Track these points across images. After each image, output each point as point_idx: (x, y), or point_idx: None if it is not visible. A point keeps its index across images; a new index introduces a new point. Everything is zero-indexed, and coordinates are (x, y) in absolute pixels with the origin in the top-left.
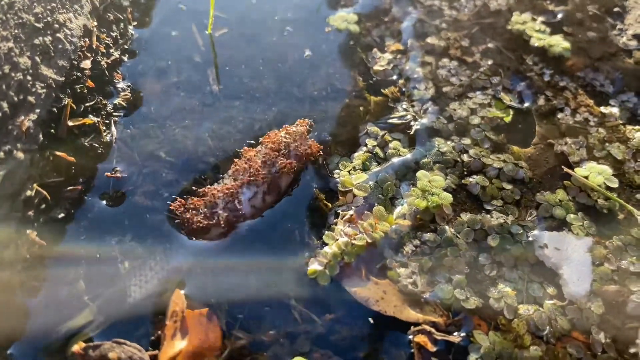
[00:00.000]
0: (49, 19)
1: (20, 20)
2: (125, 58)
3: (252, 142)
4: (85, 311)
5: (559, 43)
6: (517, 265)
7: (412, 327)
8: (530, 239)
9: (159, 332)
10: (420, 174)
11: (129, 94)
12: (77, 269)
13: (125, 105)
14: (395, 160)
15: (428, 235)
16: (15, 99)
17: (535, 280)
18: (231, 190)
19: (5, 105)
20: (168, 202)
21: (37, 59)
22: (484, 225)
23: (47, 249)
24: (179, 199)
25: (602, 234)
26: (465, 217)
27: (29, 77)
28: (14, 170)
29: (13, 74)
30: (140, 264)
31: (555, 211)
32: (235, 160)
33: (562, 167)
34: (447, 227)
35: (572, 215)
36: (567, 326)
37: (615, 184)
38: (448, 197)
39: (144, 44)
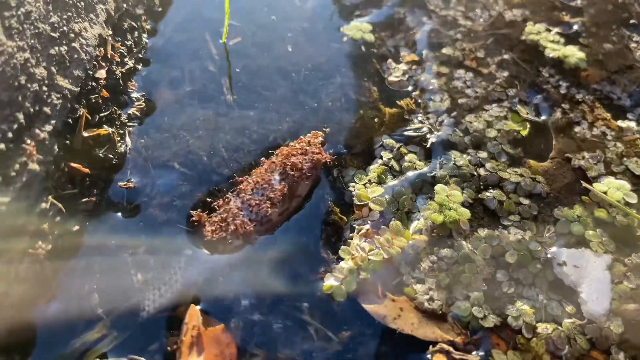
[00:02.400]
0: (64, 28)
1: (37, 30)
2: (139, 67)
3: (267, 153)
4: (99, 325)
5: (574, 53)
6: (535, 283)
7: (430, 346)
8: (549, 255)
9: (174, 347)
10: (438, 187)
11: (143, 104)
12: (91, 282)
13: (139, 115)
14: (410, 173)
15: (445, 251)
16: (31, 110)
17: (554, 298)
18: (246, 204)
19: (21, 116)
20: (182, 214)
21: (53, 69)
22: (502, 242)
23: (61, 262)
24: (196, 212)
25: (621, 251)
26: (482, 232)
27: (44, 88)
28: (29, 183)
29: (29, 85)
30: (154, 277)
31: (573, 227)
32: (249, 174)
33: (581, 182)
34: (464, 242)
35: (590, 232)
36: (586, 346)
37: (634, 199)
38: (466, 213)
39: (158, 53)
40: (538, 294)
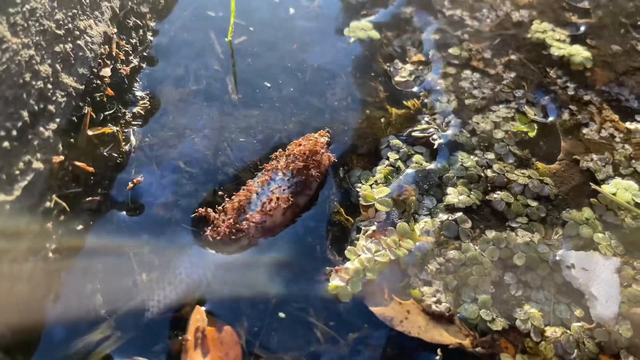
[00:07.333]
0: (70, 25)
1: (42, 27)
2: (144, 65)
3: (272, 152)
4: (103, 325)
5: (579, 52)
6: (543, 286)
7: (438, 349)
8: (557, 258)
9: (178, 348)
10: None
11: (148, 102)
12: (94, 282)
13: (143, 113)
14: (410, 170)
15: (452, 253)
16: (36, 107)
17: (563, 302)
18: (252, 204)
19: (25, 114)
20: (187, 213)
21: (58, 66)
22: (510, 244)
23: (65, 261)
24: (201, 209)
25: (630, 254)
26: (490, 234)
27: (49, 86)
28: (33, 182)
29: (34, 82)
30: (159, 277)
31: (581, 230)
32: (255, 175)
33: (590, 184)
34: (471, 244)
35: (599, 235)
36: (595, 350)
37: None
38: None
39: (162, 51)
40: (546, 297)
